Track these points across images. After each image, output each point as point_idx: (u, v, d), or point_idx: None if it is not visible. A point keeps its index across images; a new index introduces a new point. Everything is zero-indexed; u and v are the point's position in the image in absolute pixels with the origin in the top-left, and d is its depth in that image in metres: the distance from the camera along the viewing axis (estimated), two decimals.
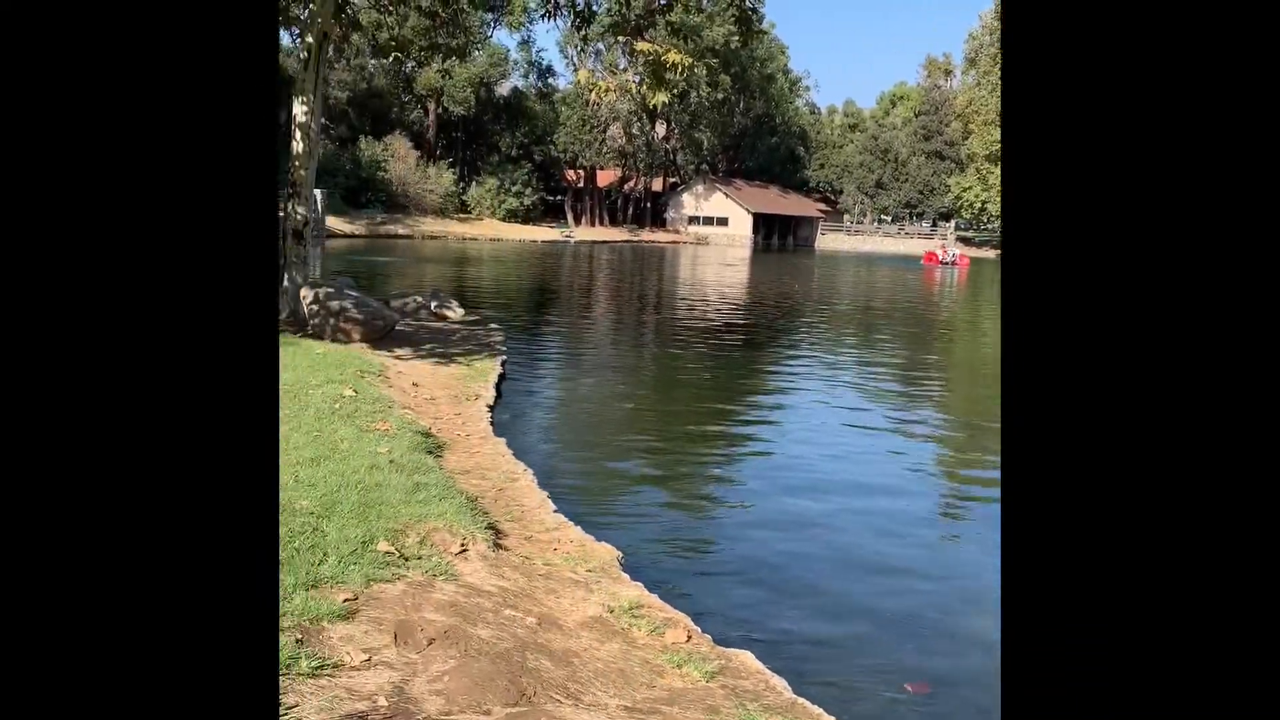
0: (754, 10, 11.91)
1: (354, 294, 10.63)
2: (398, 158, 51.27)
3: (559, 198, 64.54)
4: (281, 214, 11.40)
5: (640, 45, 10.03)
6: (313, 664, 2.70)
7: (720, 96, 58.92)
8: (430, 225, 49.22)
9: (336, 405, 6.23)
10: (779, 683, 3.30)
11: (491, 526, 4.40)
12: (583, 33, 12.98)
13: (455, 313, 13.69)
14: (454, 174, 54.96)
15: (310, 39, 10.78)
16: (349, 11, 11.93)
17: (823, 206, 73.60)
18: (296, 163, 10.90)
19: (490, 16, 56.56)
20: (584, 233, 58.27)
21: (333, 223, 38.78)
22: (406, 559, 3.70)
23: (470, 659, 2.94)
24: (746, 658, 3.47)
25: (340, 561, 3.47)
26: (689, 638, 3.56)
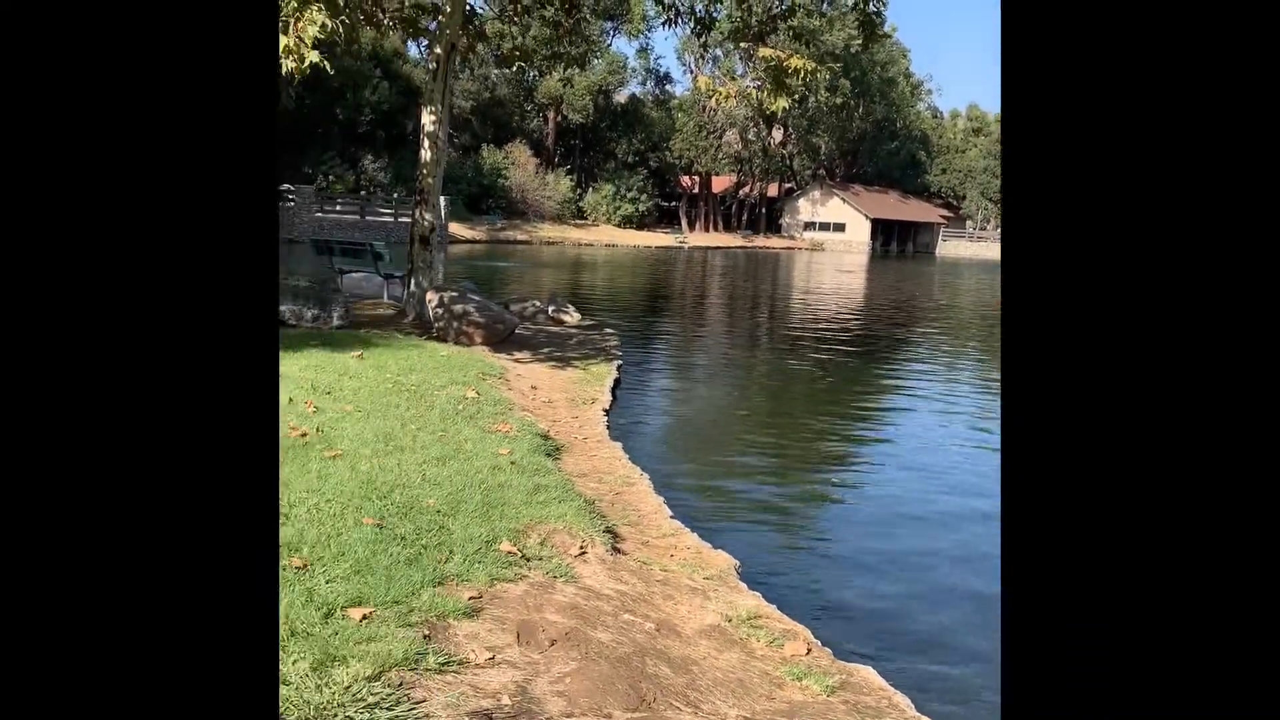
0: (877, 14, 11.69)
1: (476, 298, 10.89)
2: (518, 165, 52.42)
3: (673, 204, 64.77)
4: (409, 220, 11.77)
5: (762, 51, 9.98)
6: (439, 660, 2.77)
7: (839, 101, 58.12)
8: (547, 231, 50.09)
9: (460, 406, 6.39)
10: (902, 700, 3.22)
11: (609, 530, 4.43)
12: (703, 40, 13.00)
13: (572, 317, 13.87)
14: (571, 180, 55.88)
15: (439, 50, 11.11)
16: (475, 23, 12.24)
17: (944, 212, 71.75)
18: (424, 170, 11.24)
19: (609, 25, 57.28)
20: (698, 238, 58.31)
21: (455, 228, 39.88)
22: (528, 559, 3.76)
23: (591, 662, 2.97)
24: (868, 673, 3.40)
25: (465, 560, 3.56)
26: (809, 650, 3.51)
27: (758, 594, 4.06)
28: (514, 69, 43.83)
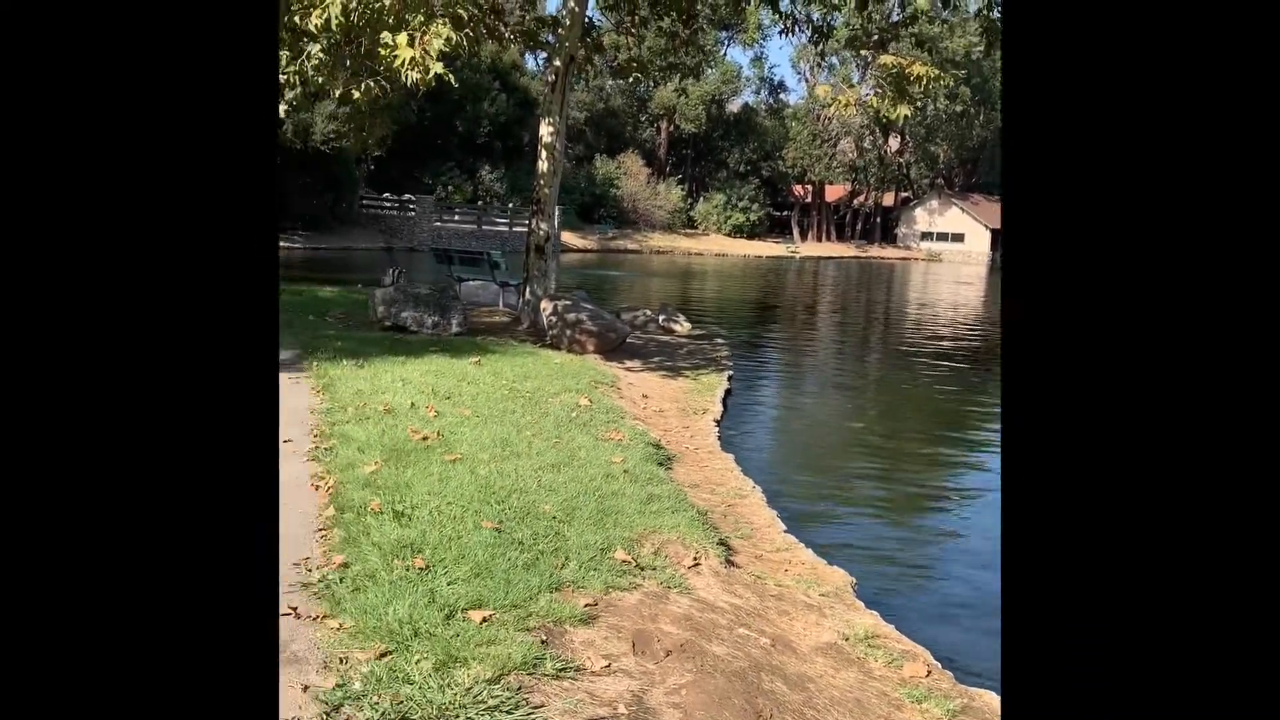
0: (1001, 21, 11.37)
1: (589, 306, 11.00)
2: (630, 175, 52.93)
3: (785, 213, 64.23)
4: (524, 229, 11.99)
5: (883, 58, 9.81)
6: (557, 666, 2.80)
7: (959, 109, 56.66)
8: (658, 240, 50.36)
9: (573, 414, 6.46)
10: None
11: (723, 542, 4.40)
12: (820, 48, 12.87)
13: (682, 327, 13.88)
14: (682, 190, 56.08)
15: (557, 62, 11.29)
16: (593, 35, 12.41)
17: None
18: (541, 181, 11.44)
19: (724, 35, 57.29)
20: (810, 248, 57.68)
21: (567, 238, 40.46)
22: (642, 569, 3.76)
23: (706, 675, 2.95)
24: (990, 698, 3.28)
25: (581, 567, 3.58)
26: (929, 673, 3.40)
27: (875, 613, 3.96)
28: (629, 80, 44.28)
